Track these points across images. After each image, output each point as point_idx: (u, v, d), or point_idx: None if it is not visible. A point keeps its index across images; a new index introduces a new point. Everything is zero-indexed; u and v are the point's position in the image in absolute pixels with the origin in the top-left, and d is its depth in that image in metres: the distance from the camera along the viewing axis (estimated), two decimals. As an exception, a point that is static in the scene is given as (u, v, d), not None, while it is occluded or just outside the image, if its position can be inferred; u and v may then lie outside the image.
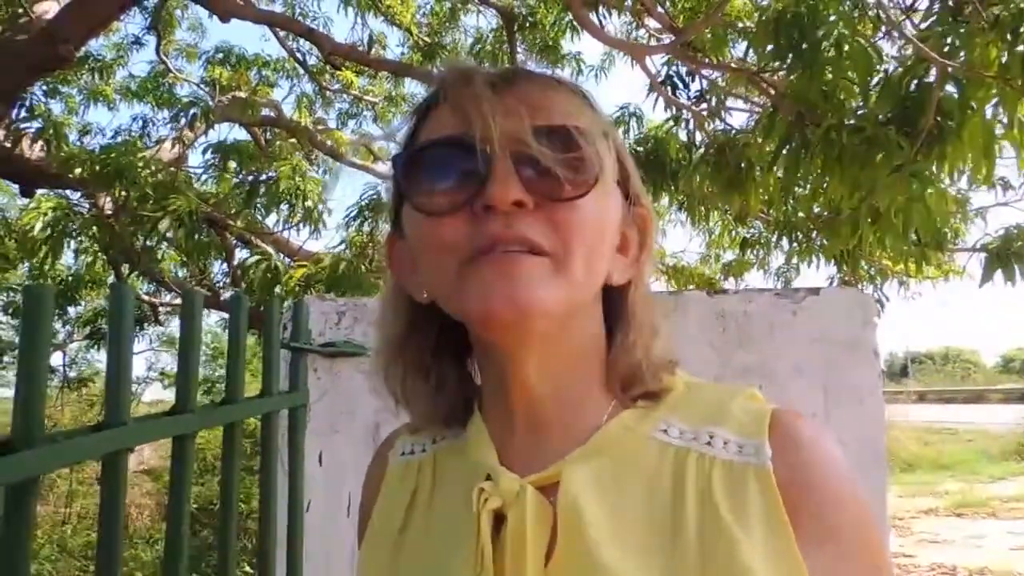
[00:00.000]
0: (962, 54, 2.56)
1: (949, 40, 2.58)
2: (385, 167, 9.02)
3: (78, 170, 5.64)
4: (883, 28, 3.23)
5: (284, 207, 5.95)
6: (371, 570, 0.72)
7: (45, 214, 5.35)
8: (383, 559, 0.70)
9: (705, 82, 4.78)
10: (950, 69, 2.58)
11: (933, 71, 2.65)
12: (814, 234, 4.78)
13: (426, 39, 7.63)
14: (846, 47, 2.74)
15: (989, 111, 2.68)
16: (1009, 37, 2.43)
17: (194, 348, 1.19)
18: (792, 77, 3.03)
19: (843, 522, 0.59)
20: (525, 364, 0.63)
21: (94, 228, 5.64)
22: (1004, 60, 2.46)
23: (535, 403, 0.65)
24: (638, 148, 4.77)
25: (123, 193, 5.37)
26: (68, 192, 5.88)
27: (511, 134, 0.59)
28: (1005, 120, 2.72)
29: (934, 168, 2.71)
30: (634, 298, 0.68)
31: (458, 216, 0.60)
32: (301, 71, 8.44)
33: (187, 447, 1.17)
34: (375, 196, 6.00)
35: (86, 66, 7.81)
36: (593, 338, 0.67)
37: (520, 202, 0.59)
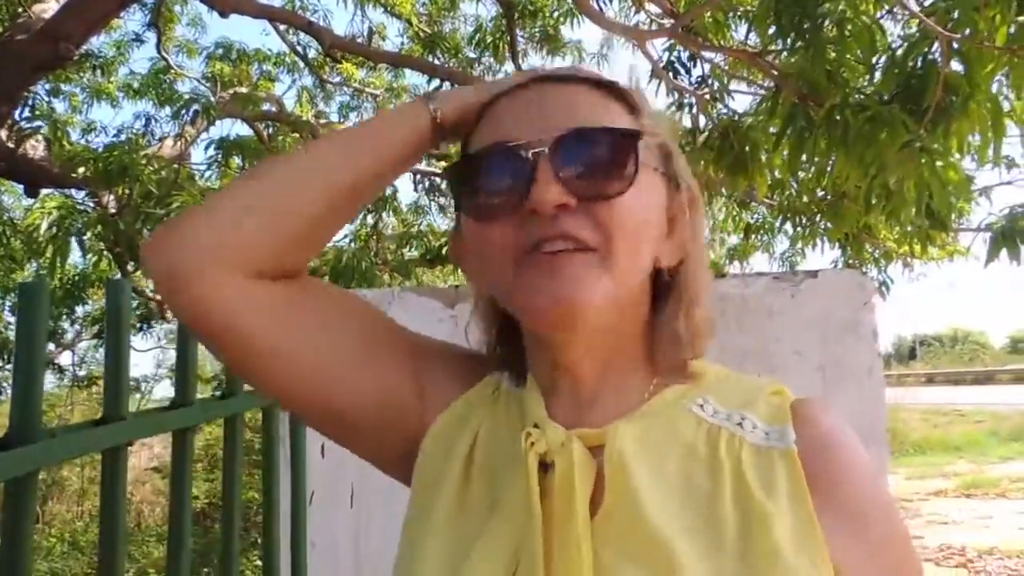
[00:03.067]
0: (967, 30, 2.54)
1: (955, 15, 2.56)
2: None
3: (81, 169, 5.66)
4: (886, 5, 3.20)
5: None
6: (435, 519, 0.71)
7: (50, 213, 5.37)
8: (449, 506, 0.70)
9: (707, 66, 4.76)
10: (955, 44, 2.55)
11: (937, 48, 2.63)
12: (818, 218, 4.76)
13: (426, 29, 7.60)
14: (849, 25, 2.72)
15: (995, 87, 2.66)
16: (1015, 6, 2.40)
17: (192, 342, 1.19)
18: (794, 57, 3.01)
19: (866, 506, 0.64)
20: (573, 352, 0.68)
21: (99, 226, 5.66)
22: (1012, 31, 2.44)
23: (581, 383, 0.69)
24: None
25: (127, 191, 5.38)
26: (72, 191, 5.89)
27: (550, 138, 0.63)
28: (1012, 95, 2.70)
29: (942, 144, 2.69)
30: (683, 280, 0.72)
31: (507, 220, 0.64)
32: (302, 65, 8.42)
33: (187, 441, 1.18)
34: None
35: (88, 64, 7.82)
36: (639, 320, 0.71)
37: (564, 204, 0.63)
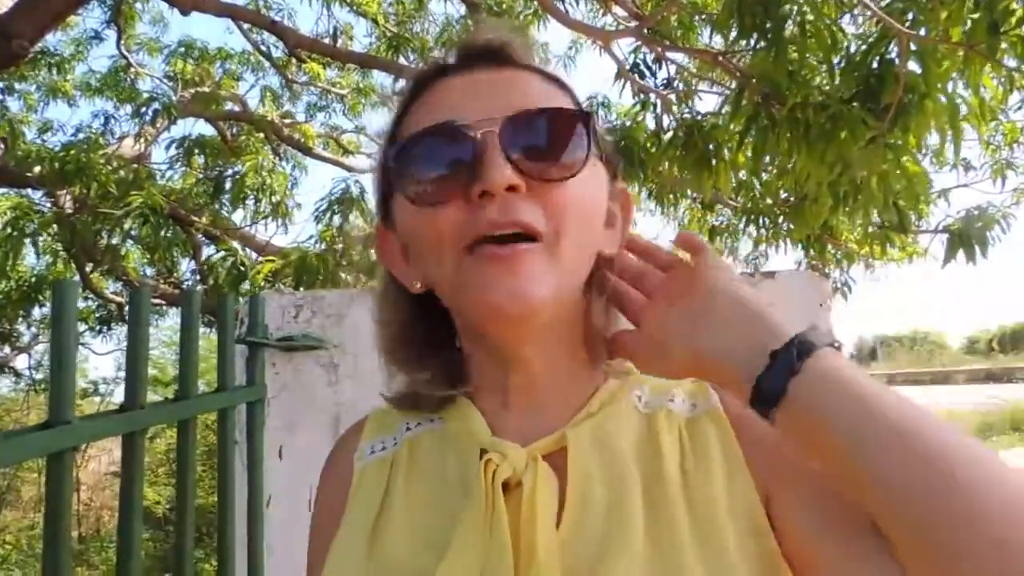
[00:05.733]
0: (923, 29, 2.59)
1: (911, 15, 2.61)
2: (355, 160, 8.94)
3: (37, 168, 5.52)
4: (846, 6, 3.25)
5: (251, 202, 5.88)
6: (342, 569, 0.67)
7: (4, 214, 5.23)
8: (355, 558, 0.66)
9: (673, 68, 4.79)
10: (913, 45, 2.60)
11: (895, 47, 2.68)
12: (780, 219, 4.82)
13: (392, 29, 7.55)
14: (809, 26, 2.76)
15: (951, 86, 2.71)
16: (970, 3, 2.45)
17: (142, 344, 1.16)
18: (757, 58, 3.04)
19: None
20: (524, 349, 0.66)
21: (55, 227, 5.53)
22: (967, 27, 2.48)
23: (535, 380, 0.68)
24: (607, 137, 4.76)
25: (84, 191, 5.27)
26: (28, 191, 5.75)
27: (501, 117, 0.60)
28: (967, 93, 2.75)
29: (901, 139, 2.75)
30: (613, 271, 0.71)
31: (452, 205, 0.60)
32: (266, 64, 8.31)
33: (137, 445, 1.14)
34: (345, 189, 5.94)
35: (43, 62, 7.63)
36: (578, 310, 0.69)
37: (514, 186, 0.59)
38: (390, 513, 0.68)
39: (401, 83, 0.74)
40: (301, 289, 4.47)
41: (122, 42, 7.98)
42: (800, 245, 5.22)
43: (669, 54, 4.60)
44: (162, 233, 5.33)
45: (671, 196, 5.47)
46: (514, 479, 0.62)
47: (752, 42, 2.92)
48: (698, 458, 0.63)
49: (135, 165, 5.81)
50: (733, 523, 0.59)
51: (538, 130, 0.61)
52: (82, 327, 8.23)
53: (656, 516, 0.60)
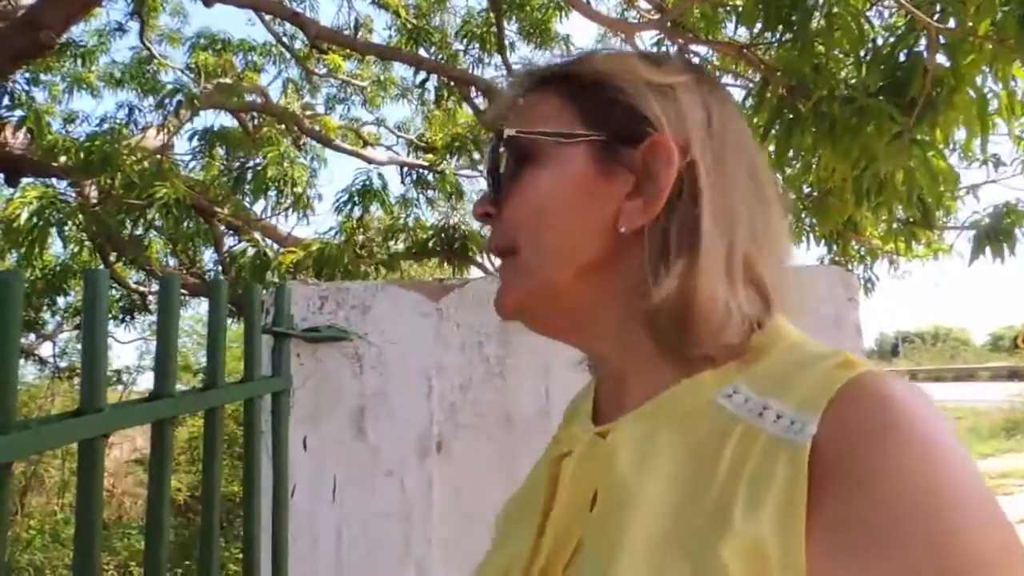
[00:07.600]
0: (952, 22, 2.55)
1: (939, 7, 2.57)
2: (375, 152, 8.95)
3: (63, 158, 5.60)
4: None
5: (272, 193, 5.92)
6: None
7: (30, 203, 5.30)
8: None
9: (696, 61, 4.75)
10: (941, 38, 2.56)
11: (923, 41, 2.64)
12: (803, 214, 4.77)
13: (413, 21, 7.55)
14: (836, 18, 2.72)
15: (980, 80, 2.67)
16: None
17: (172, 332, 1.17)
18: (782, 51, 3.01)
19: (898, 521, 0.45)
20: (569, 341, 0.70)
21: (80, 217, 5.60)
22: (997, 19, 2.44)
23: (609, 367, 0.69)
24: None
25: (108, 181, 5.33)
26: (54, 180, 5.83)
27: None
28: (998, 87, 2.71)
29: (928, 135, 2.71)
30: (653, 239, 0.60)
31: None
32: (288, 55, 8.35)
33: (166, 433, 1.16)
34: (366, 181, 5.96)
35: (68, 53, 7.71)
36: (626, 296, 0.62)
37: (486, 213, 0.69)
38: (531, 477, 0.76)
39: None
40: (323, 279, 4.50)
41: (144, 34, 8.04)
42: (823, 241, 5.17)
43: (692, 47, 4.57)
44: (184, 224, 5.39)
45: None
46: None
47: (777, 35, 2.89)
48: (748, 502, 0.49)
49: (158, 156, 5.87)
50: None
51: (487, 161, 0.69)
52: (105, 316, 8.30)
53: (679, 529, 0.52)
